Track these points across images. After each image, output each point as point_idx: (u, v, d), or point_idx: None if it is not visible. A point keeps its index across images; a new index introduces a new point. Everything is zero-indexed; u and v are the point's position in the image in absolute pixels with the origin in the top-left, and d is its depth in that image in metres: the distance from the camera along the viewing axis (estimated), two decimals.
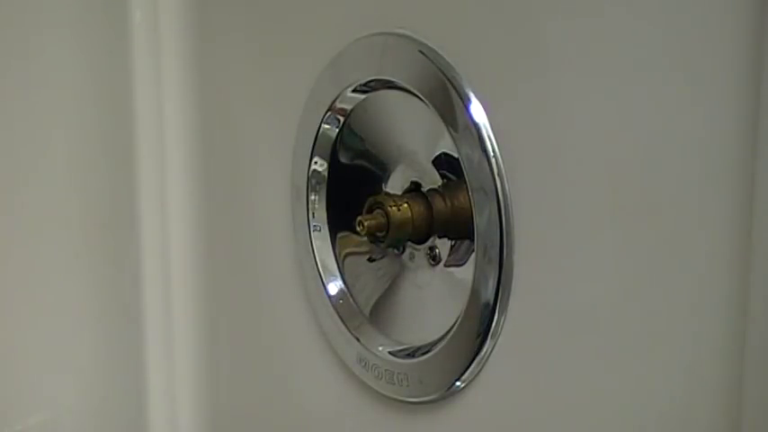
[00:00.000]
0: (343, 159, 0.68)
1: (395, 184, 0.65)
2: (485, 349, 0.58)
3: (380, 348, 0.66)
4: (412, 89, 0.60)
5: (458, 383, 0.60)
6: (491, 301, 0.57)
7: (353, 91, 0.65)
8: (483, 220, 0.57)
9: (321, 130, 0.67)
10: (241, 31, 0.75)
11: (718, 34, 0.46)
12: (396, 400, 0.65)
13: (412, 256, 0.64)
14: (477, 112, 0.57)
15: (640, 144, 0.50)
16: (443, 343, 0.61)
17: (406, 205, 0.62)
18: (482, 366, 0.59)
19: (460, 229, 0.60)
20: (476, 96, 0.57)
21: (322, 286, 0.69)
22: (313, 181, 0.69)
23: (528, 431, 0.58)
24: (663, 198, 0.49)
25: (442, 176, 0.61)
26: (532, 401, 0.57)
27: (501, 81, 0.56)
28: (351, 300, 0.68)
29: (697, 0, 0.47)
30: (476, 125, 0.57)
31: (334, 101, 0.66)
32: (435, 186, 0.62)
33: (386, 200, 0.62)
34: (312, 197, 0.69)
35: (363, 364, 0.66)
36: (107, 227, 0.83)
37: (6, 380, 0.82)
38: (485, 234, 0.57)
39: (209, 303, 0.82)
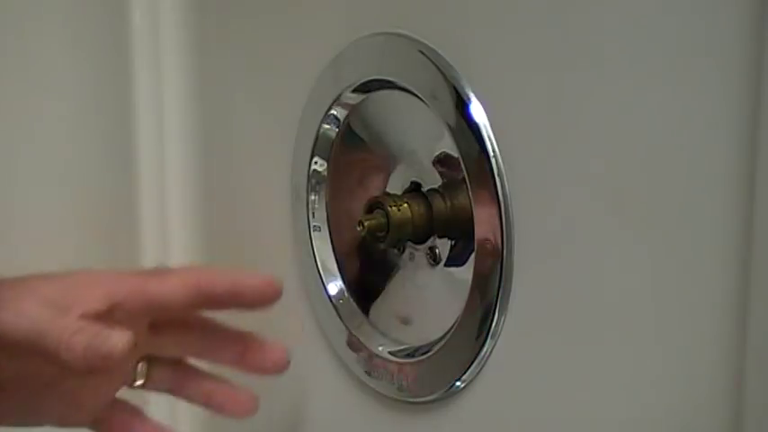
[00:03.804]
0: (343, 159, 0.68)
1: (395, 184, 0.65)
2: (485, 349, 0.58)
3: (380, 348, 0.66)
4: (412, 89, 0.60)
5: (458, 383, 0.60)
6: (491, 301, 0.57)
7: (353, 91, 0.65)
8: (483, 220, 0.57)
9: (321, 130, 0.67)
10: (241, 31, 0.75)
11: (718, 34, 0.46)
12: (396, 400, 0.65)
13: (412, 256, 0.64)
14: (477, 112, 0.57)
15: (641, 144, 0.50)
16: (443, 343, 0.61)
17: (406, 205, 0.62)
18: (482, 366, 0.59)
19: (460, 229, 0.60)
20: (476, 96, 0.57)
21: (322, 286, 0.69)
22: (313, 181, 0.69)
23: (528, 431, 0.58)
24: (663, 198, 0.49)
25: (442, 176, 0.61)
26: (532, 401, 0.57)
27: (501, 81, 0.56)
28: (351, 300, 0.68)
29: (697, 0, 0.47)
30: (476, 125, 0.57)
31: (334, 101, 0.66)
32: (435, 186, 0.62)
33: (386, 200, 0.62)
34: (312, 197, 0.69)
35: (363, 364, 0.66)
36: (107, 227, 0.83)
37: None
38: (485, 234, 0.57)
39: None
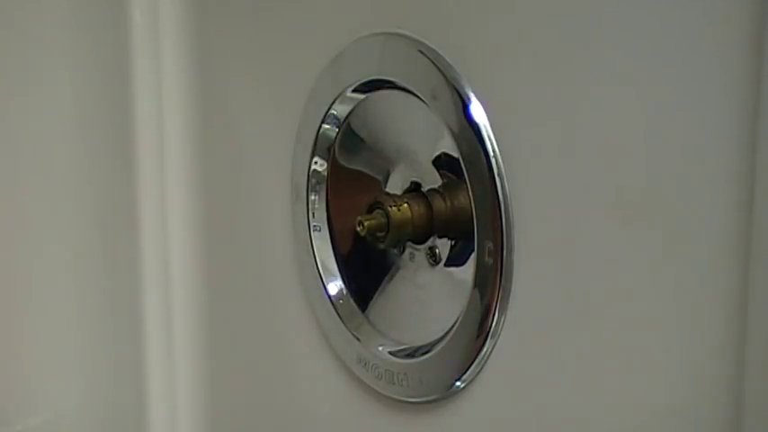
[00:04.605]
0: (343, 159, 0.68)
1: (395, 184, 0.65)
2: (485, 349, 0.58)
3: (380, 348, 0.66)
4: (412, 89, 0.60)
5: (458, 383, 0.60)
6: (491, 301, 0.57)
7: (353, 91, 0.65)
8: (483, 221, 0.57)
9: (321, 130, 0.67)
10: (241, 32, 0.75)
11: (718, 34, 0.46)
12: (396, 400, 0.65)
13: (412, 256, 0.64)
14: (477, 112, 0.57)
15: (641, 144, 0.50)
16: (443, 343, 0.61)
17: (406, 205, 0.62)
18: (482, 366, 0.59)
19: (460, 229, 0.60)
20: (476, 96, 0.57)
21: (322, 286, 0.69)
22: (313, 181, 0.69)
23: (528, 431, 0.58)
24: (663, 198, 0.49)
25: (442, 176, 0.61)
26: (532, 401, 0.57)
27: (501, 81, 0.56)
28: (351, 300, 0.68)
29: (697, 0, 0.47)
30: (476, 125, 0.57)
31: (334, 101, 0.66)
32: (435, 186, 0.62)
33: (386, 200, 0.62)
34: (312, 197, 0.69)
35: (363, 364, 0.66)
36: (107, 227, 0.83)
37: (6, 380, 0.82)
38: (485, 234, 0.57)
39: (210, 303, 0.82)
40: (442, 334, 0.61)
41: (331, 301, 0.69)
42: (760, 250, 0.45)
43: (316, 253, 0.69)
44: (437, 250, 0.62)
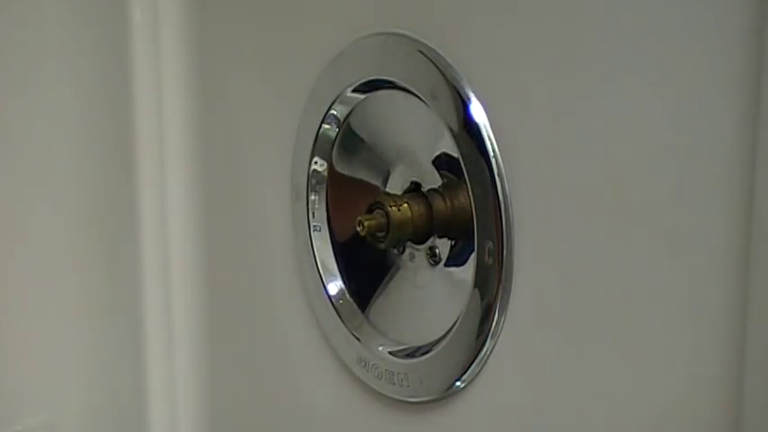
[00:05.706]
0: (343, 159, 0.68)
1: (395, 184, 0.65)
2: (485, 349, 0.58)
3: (380, 348, 0.66)
4: (412, 89, 0.60)
5: (458, 383, 0.60)
6: (491, 301, 0.57)
7: (353, 91, 0.65)
8: (483, 221, 0.57)
9: (321, 130, 0.67)
10: (241, 32, 0.75)
11: (718, 34, 0.46)
12: (396, 400, 0.65)
13: (412, 256, 0.64)
14: (477, 112, 0.57)
15: (640, 144, 0.50)
16: (443, 343, 0.61)
17: (406, 205, 0.62)
18: (482, 366, 0.59)
19: (460, 229, 0.60)
20: (476, 96, 0.57)
21: (322, 286, 0.69)
22: (313, 181, 0.69)
23: (528, 431, 0.58)
24: (663, 198, 0.49)
25: (442, 176, 0.61)
26: (532, 401, 0.57)
27: (501, 81, 0.56)
28: (351, 300, 0.68)
29: (697, 0, 0.47)
30: (476, 125, 0.57)
31: (334, 101, 0.66)
32: (435, 186, 0.62)
33: (386, 200, 0.62)
34: (312, 197, 0.69)
35: (363, 364, 0.66)
36: (107, 227, 0.83)
37: (6, 380, 0.82)
38: (485, 234, 0.57)
39: (209, 303, 0.82)
40: (442, 334, 0.61)
41: (331, 301, 0.69)
42: (760, 250, 0.45)
43: (316, 253, 0.69)
44: (437, 250, 0.62)
